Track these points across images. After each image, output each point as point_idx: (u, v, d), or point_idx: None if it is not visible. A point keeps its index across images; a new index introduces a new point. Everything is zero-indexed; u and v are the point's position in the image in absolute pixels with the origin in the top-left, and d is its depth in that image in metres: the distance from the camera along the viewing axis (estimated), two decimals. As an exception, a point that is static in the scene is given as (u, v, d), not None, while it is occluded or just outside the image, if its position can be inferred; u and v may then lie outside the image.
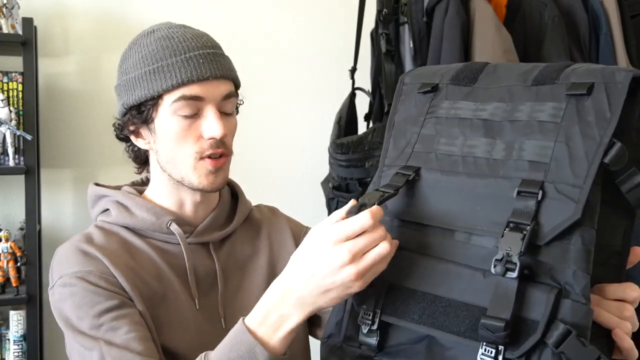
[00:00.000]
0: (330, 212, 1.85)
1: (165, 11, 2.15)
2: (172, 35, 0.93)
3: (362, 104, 1.97)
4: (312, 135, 2.32)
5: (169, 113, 0.91)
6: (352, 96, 1.95)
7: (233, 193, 1.10)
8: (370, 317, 0.71)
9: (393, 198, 0.72)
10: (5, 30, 1.80)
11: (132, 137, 0.98)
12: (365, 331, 0.72)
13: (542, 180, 0.63)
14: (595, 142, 0.62)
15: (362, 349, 0.73)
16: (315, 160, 2.27)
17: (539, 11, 1.59)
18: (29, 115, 1.82)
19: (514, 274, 0.60)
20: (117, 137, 1.01)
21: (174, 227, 0.95)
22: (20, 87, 1.83)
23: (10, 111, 1.79)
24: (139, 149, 1.00)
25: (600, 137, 0.61)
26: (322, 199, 1.97)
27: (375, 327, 0.71)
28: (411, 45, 1.69)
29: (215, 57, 0.93)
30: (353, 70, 1.92)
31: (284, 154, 2.30)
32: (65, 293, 0.87)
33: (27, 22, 1.81)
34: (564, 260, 0.60)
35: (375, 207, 0.68)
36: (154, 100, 0.91)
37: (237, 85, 0.98)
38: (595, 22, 1.59)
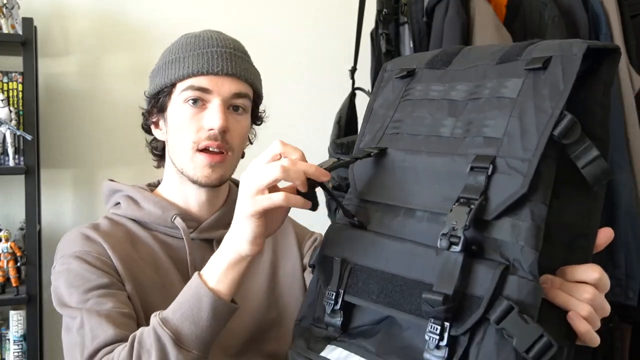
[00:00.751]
0: (330, 212, 1.85)
1: (165, 11, 2.15)
2: (201, 35, 0.99)
3: (362, 104, 1.96)
4: (312, 135, 2.32)
5: (179, 101, 0.95)
6: (352, 96, 1.95)
7: None
8: (334, 297, 0.71)
9: (360, 180, 0.74)
10: (5, 30, 1.80)
11: (152, 128, 1.03)
12: (329, 311, 0.72)
13: (494, 155, 0.62)
14: (546, 114, 0.60)
15: (329, 330, 0.73)
16: (315, 160, 2.27)
17: (539, 11, 1.59)
18: (29, 115, 1.82)
19: (458, 248, 0.59)
20: (142, 127, 1.06)
21: (178, 221, 0.98)
22: (20, 87, 1.83)
23: (10, 111, 1.79)
24: (157, 140, 1.05)
25: (552, 110, 0.60)
26: (322, 199, 1.97)
27: (338, 307, 0.71)
28: (411, 45, 1.69)
29: (232, 57, 0.96)
30: (353, 70, 1.92)
31: (284, 154, 2.30)
32: (62, 270, 0.91)
33: (27, 22, 1.82)
34: (513, 236, 0.59)
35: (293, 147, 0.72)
36: (169, 89, 0.96)
37: (256, 91, 1.02)
38: (595, 22, 1.59)
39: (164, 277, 0.94)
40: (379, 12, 1.73)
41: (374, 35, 1.87)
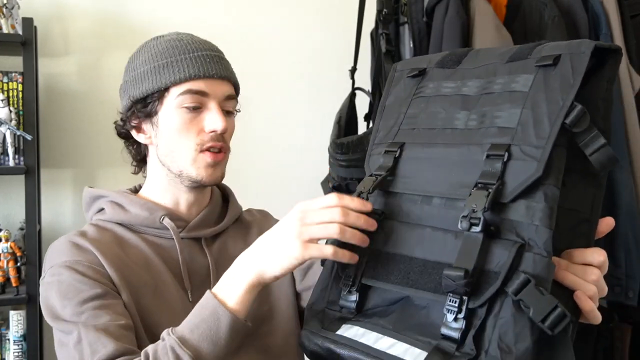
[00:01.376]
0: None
1: (165, 11, 2.15)
2: (182, 38, 0.99)
3: (362, 104, 1.97)
4: (312, 135, 2.32)
5: (174, 106, 0.95)
6: (352, 96, 1.95)
7: (224, 195, 1.12)
8: (351, 280, 0.75)
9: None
10: (5, 30, 1.80)
11: (134, 132, 1.01)
12: (345, 293, 0.76)
13: (509, 144, 0.66)
14: (558, 105, 0.65)
15: (343, 311, 0.76)
16: (315, 160, 2.27)
17: (539, 11, 1.59)
18: (29, 115, 1.82)
19: (478, 228, 0.63)
20: (118, 133, 1.04)
21: (167, 222, 0.98)
22: (20, 87, 1.83)
23: (10, 111, 1.79)
24: (138, 145, 1.03)
25: (563, 101, 0.65)
26: (322, 199, 1.97)
27: (355, 288, 0.75)
28: (411, 45, 1.69)
29: (220, 60, 0.99)
30: (353, 70, 1.92)
31: (284, 154, 2.30)
32: (53, 282, 0.89)
33: (27, 22, 1.81)
34: (528, 217, 0.63)
35: (354, 197, 0.74)
36: (160, 93, 0.96)
37: (237, 91, 1.03)
38: (595, 22, 1.59)
39: (156, 278, 0.94)
40: (379, 12, 1.73)
41: (374, 35, 1.87)
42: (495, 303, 0.62)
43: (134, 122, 1.00)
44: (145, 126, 1.00)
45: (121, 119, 1.02)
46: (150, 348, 0.78)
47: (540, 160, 0.63)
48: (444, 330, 0.64)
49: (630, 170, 1.53)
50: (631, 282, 1.50)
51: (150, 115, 0.97)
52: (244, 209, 1.14)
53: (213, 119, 0.95)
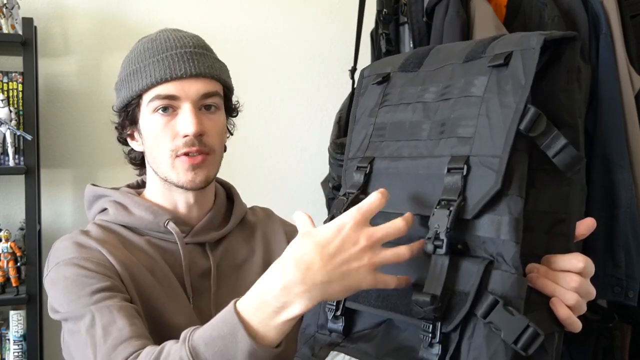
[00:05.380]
0: (330, 212, 1.85)
1: (165, 11, 2.15)
2: (158, 38, 0.95)
3: (362, 104, 1.97)
4: (312, 135, 2.32)
5: (148, 112, 0.94)
6: (352, 96, 1.94)
7: (228, 195, 1.11)
8: (334, 304, 0.73)
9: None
10: (5, 30, 1.80)
11: (129, 140, 1.01)
12: (330, 317, 0.74)
13: (468, 155, 0.63)
14: (511, 110, 0.62)
15: (332, 336, 0.75)
16: (315, 160, 2.27)
17: (539, 11, 1.59)
18: (29, 115, 1.82)
19: (442, 250, 0.61)
20: (118, 140, 1.04)
21: (172, 226, 0.97)
22: (20, 87, 1.83)
23: (10, 111, 1.79)
24: (135, 151, 1.03)
25: (516, 104, 0.61)
26: (322, 199, 1.97)
27: (339, 312, 0.73)
28: (411, 45, 1.69)
29: (193, 55, 0.93)
30: (353, 70, 1.92)
31: (284, 154, 2.30)
32: (59, 278, 0.88)
33: (27, 22, 1.81)
34: (494, 232, 0.61)
35: (408, 214, 0.66)
36: (136, 101, 0.94)
37: (225, 84, 0.98)
38: (595, 22, 1.59)
39: (162, 280, 0.94)
40: (379, 12, 1.73)
41: (374, 35, 1.87)
42: (468, 326, 0.60)
43: (127, 131, 0.99)
44: (135, 133, 0.99)
45: (115, 127, 1.02)
46: (166, 346, 0.74)
47: (499, 171, 0.60)
48: (422, 354, 0.63)
49: (630, 170, 1.53)
50: (631, 282, 1.50)
51: (134, 122, 0.97)
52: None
53: (185, 123, 0.91)
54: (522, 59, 0.63)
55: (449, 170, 0.64)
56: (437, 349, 0.61)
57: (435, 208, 0.63)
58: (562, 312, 0.63)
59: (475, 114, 0.65)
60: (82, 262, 0.88)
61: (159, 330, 0.89)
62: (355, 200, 0.71)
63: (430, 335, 0.62)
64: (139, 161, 1.05)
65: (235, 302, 0.70)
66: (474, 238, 0.62)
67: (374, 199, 0.66)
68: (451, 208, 0.62)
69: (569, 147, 0.60)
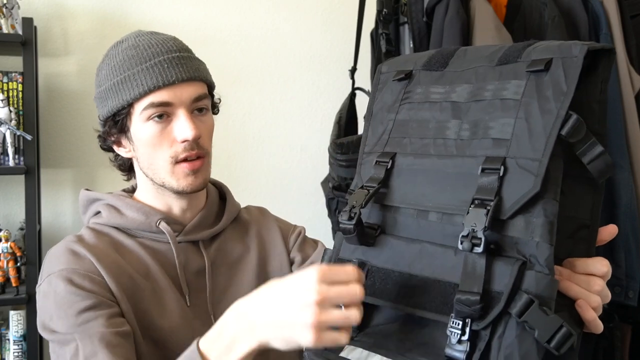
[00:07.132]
0: (330, 212, 1.85)
1: (165, 11, 2.15)
2: (138, 44, 0.94)
3: (362, 104, 1.96)
4: (312, 135, 2.32)
5: (141, 120, 0.93)
6: (352, 96, 1.95)
7: (221, 194, 1.11)
8: None
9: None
10: (5, 30, 1.80)
11: (115, 147, 1.00)
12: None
13: (504, 156, 0.64)
14: (552, 115, 0.63)
15: None
16: (315, 160, 2.27)
17: (539, 11, 1.59)
18: (29, 115, 1.82)
19: (480, 249, 0.62)
20: (102, 147, 1.03)
21: (163, 226, 0.97)
22: (20, 87, 1.83)
23: (10, 111, 1.79)
24: (122, 157, 1.02)
25: (557, 110, 0.62)
26: (322, 199, 1.97)
27: None
28: (411, 45, 1.69)
29: (181, 60, 0.93)
30: (353, 70, 1.92)
31: (284, 154, 2.30)
32: (50, 292, 0.89)
33: (27, 22, 1.82)
34: (528, 233, 0.62)
35: (361, 276, 0.67)
36: (126, 110, 0.93)
37: (210, 85, 0.99)
38: (595, 22, 1.59)
39: (154, 282, 0.94)
40: (379, 12, 1.73)
41: (374, 35, 1.87)
42: (499, 324, 0.61)
43: (112, 138, 0.98)
44: (123, 141, 0.98)
45: (99, 135, 1.01)
46: None
47: (538, 175, 0.61)
48: (448, 352, 0.63)
49: (630, 170, 1.53)
50: (631, 282, 1.50)
51: (123, 130, 0.96)
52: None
53: (182, 129, 0.91)
54: (563, 66, 0.64)
55: (483, 170, 0.65)
56: (465, 346, 0.62)
57: (470, 206, 0.64)
58: (589, 315, 0.64)
59: (512, 117, 0.65)
60: (71, 274, 0.88)
61: (151, 333, 0.90)
62: (375, 194, 0.73)
63: (459, 332, 0.62)
64: (126, 167, 1.04)
65: (198, 340, 0.75)
66: (506, 238, 0.63)
67: (349, 270, 0.66)
68: (488, 207, 0.62)
69: (605, 154, 0.62)
